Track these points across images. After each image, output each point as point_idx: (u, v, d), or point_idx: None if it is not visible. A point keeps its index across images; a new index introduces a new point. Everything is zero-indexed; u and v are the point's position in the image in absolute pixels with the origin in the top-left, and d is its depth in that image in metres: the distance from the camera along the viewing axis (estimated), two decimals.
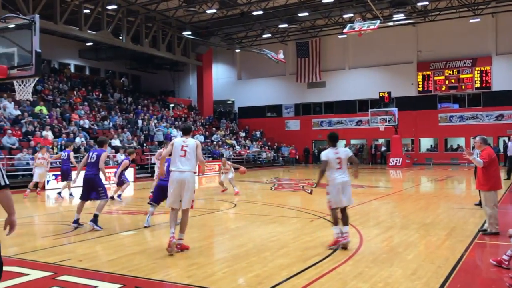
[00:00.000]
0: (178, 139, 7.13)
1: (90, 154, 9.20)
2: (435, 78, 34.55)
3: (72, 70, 35.72)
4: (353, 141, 37.67)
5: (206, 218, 10.39)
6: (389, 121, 31.64)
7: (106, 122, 26.60)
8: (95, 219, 8.74)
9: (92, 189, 8.95)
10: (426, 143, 36.59)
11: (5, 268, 5.86)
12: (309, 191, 16.05)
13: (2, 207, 3.68)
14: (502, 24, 32.38)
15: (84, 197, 9.04)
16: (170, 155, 7.03)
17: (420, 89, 35.01)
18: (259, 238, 7.91)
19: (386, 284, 5.20)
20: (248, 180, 22.25)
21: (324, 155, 7.08)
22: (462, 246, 6.97)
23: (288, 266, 5.96)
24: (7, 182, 3.57)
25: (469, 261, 6.35)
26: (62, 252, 6.94)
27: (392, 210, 11.71)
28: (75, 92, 28.78)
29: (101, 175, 8.96)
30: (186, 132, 7.22)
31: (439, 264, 6.01)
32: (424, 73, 34.89)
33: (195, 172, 6.97)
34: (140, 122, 29.00)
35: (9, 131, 19.14)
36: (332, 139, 7.28)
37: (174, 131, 30.18)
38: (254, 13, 30.55)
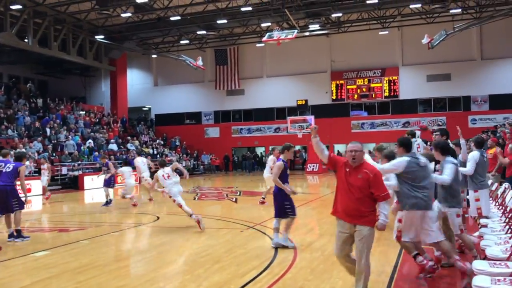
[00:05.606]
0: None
1: (2, 164, 8.60)
2: (348, 87, 35.93)
3: None
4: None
5: (127, 234, 9.71)
6: (306, 128, 32.36)
7: (10, 131, 24.44)
8: (19, 234, 8.50)
9: (5, 202, 8.38)
10: (341, 149, 37.85)
11: None
12: (233, 200, 15.76)
13: None
14: (407, 37, 34.46)
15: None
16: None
17: (334, 97, 36.21)
18: (189, 253, 7.47)
19: None
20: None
21: None
22: (395, 252, 7.00)
23: (225, 284, 5.60)
24: None
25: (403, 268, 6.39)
26: None
27: (318, 216, 11.74)
28: None
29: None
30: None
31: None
32: (338, 82, 36.12)
33: None
34: (48, 130, 26.98)
35: None
36: None
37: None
38: (172, 19, 29.80)
